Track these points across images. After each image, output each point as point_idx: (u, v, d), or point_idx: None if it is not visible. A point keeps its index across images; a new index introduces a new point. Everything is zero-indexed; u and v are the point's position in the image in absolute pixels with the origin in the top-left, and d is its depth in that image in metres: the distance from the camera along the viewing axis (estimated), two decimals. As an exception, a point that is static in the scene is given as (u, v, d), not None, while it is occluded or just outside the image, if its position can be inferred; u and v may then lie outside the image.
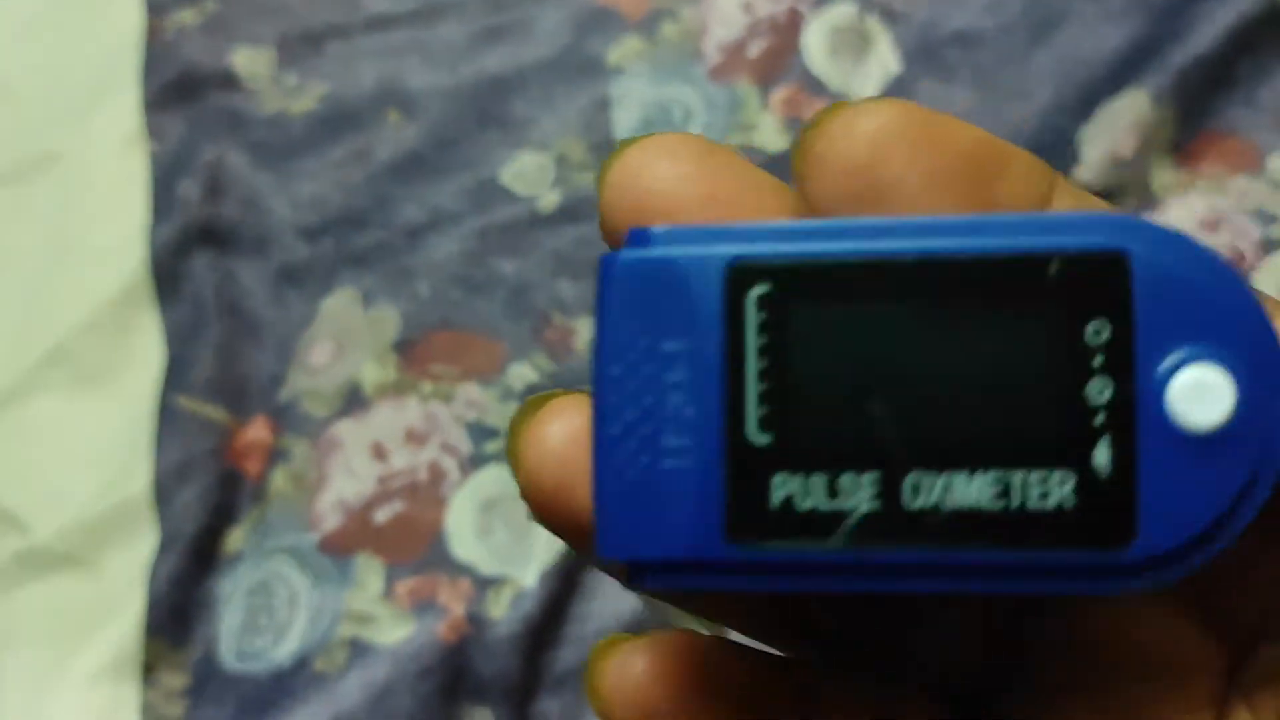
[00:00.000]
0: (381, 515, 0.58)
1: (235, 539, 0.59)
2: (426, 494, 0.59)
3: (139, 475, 0.60)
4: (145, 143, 0.69)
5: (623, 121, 0.67)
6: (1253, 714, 0.18)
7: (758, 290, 0.15)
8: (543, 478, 0.16)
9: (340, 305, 0.64)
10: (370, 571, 0.57)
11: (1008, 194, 0.16)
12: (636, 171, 0.16)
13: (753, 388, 0.14)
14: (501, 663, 0.54)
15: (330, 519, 0.59)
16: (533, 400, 0.16)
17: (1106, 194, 0.59)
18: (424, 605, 0.56)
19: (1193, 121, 0.61)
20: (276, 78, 0.70)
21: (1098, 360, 0.14)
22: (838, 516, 0.14)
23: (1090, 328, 0.14)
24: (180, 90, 0.70)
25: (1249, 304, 0.14)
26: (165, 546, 0.58)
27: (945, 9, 0.66)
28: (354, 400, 0.61)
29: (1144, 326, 0.14)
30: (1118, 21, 0.62)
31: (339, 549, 0.58)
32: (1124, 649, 0.18)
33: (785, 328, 0.15)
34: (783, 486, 0.14)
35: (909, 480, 0.14)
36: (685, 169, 0.16)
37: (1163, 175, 0.60)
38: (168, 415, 0.61)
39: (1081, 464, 0.14)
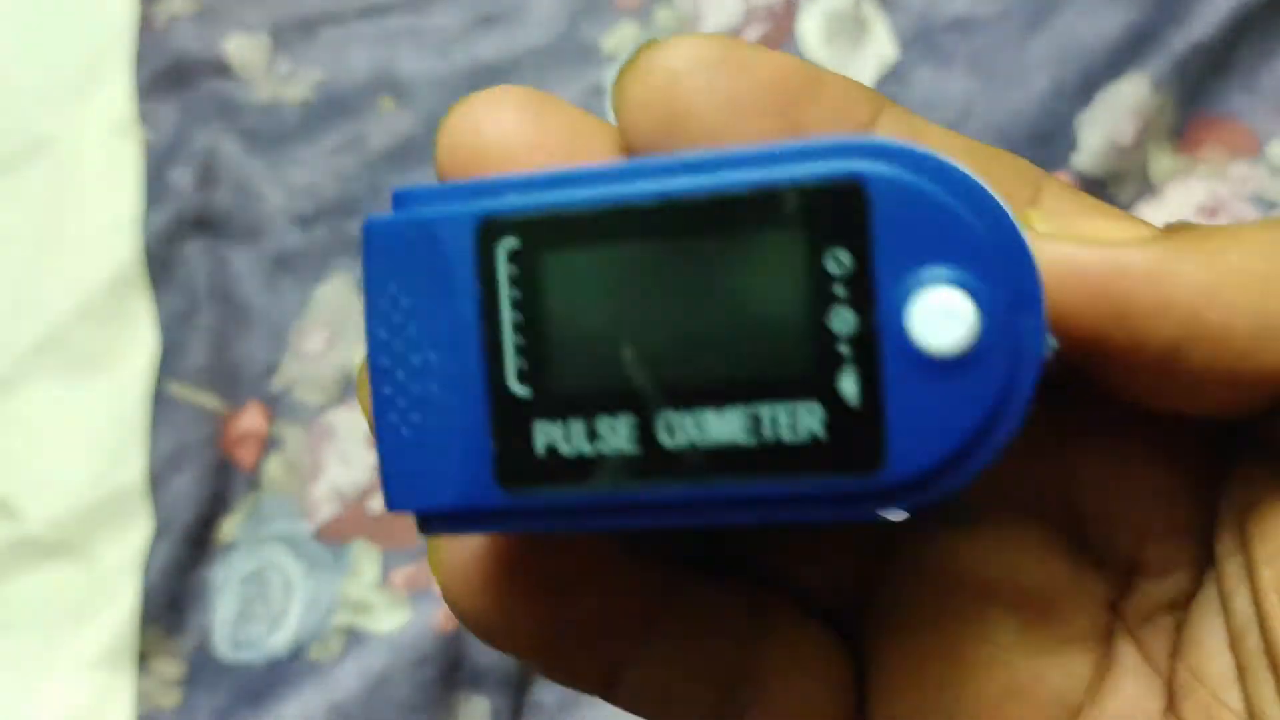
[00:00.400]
0: (377, 503, 0.58)
1: (229, 527, 0.59)
2: (422, 482, 0.58)
3: (132, 463, 0.60)
4: (138, 130, 0.68)
5: (618, 108, 0.66)
6: (1141, 652, 0.18)
7: (507, 244, 0.15)
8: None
9: (334, 293, 0.63)
10: (366, 559, 0.57)
11: (819, 119, 0.16)
12: (467, 127, 0.16)
13: (509, 341, 0.15)
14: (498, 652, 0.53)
15: (325, 507, 0.58)
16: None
17: (1105, 180, 0.59)
18: (420, 593, 0.55)
19: (1192, 107, 0.60)
20: (269, 65, 0.70)
21: (839, 290, 0.14)
22: (599, 460, 0.15)
23: (829, 257, 0.14)
24: (173, 78, 0.69)
25: (996, 220, 0.14)
26: (159, 535, 0.58)
27: (942, -5, 0.66)
28: (348, 388, 0.61)
29: (883, 252, 0.14)
30: (1116, 6, 0.62)
31: (334, 537, 0.58)
32: (987, 579, 0.18)
33: (536, 280, 0.15)
34: (545, 434, 0.15)
35: (662, 420, 0.14)
36: (513, 118, 0.16)
37: (1162, 161, 0.60)
38: (161, 403, 0.61)
39: (828, 394, 0.14)
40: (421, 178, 0.66)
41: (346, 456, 0.59)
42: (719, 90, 0.15)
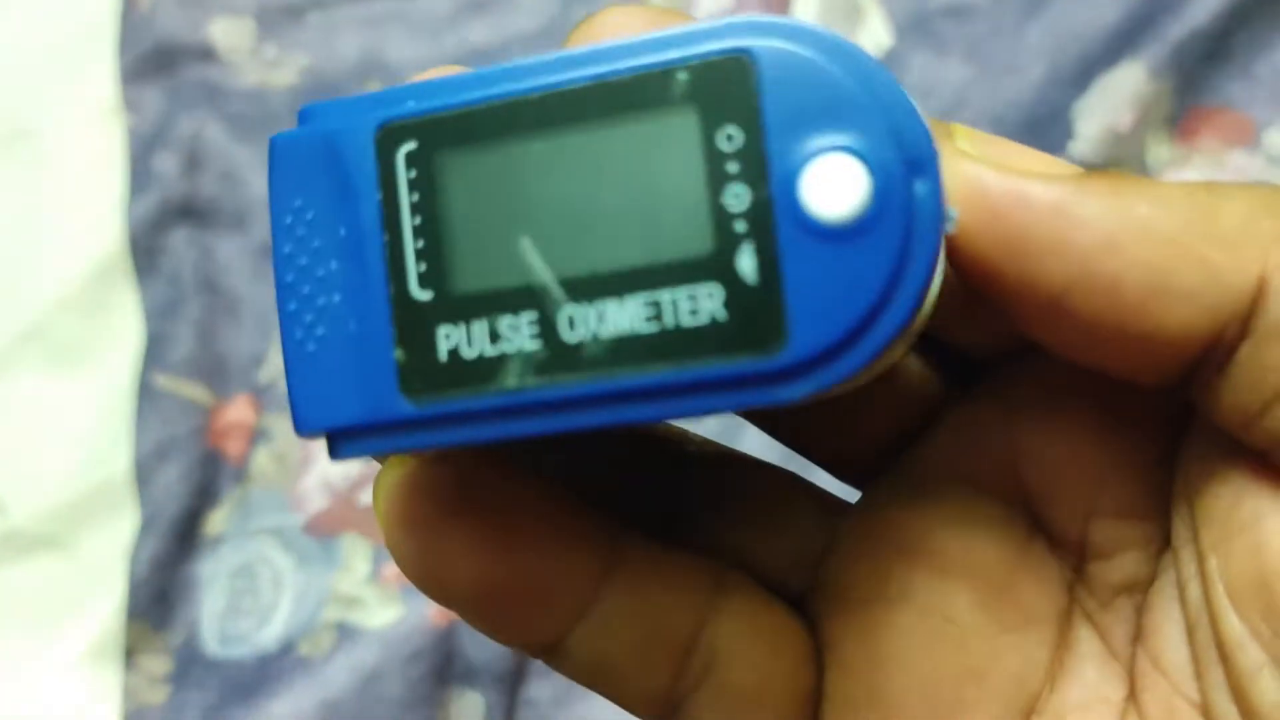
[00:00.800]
0: (367, 496, 0.57)
1: (217, 520, 0.58)
2: (413, 474, 0.58)
3: (118, 455, 0.59)
4: (122, 115, 0.67)
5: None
6: (1101, 637, 0.17)
7: (405, 148, 0.15)
8: None
9: (323, 282, 0.63)
10: (357, 553, 0.56)
11: None
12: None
13: (409, 245, 0.15)
14: (492, 646, 0.53)
15: (315, 500, 0.58)
16: None
17: (1103, 168, 0.59)
18: (413, 588, 0.55)
19: (1189, 95, 0.60)
20: (256, 50, 0.69)
21: (732, 167, 0.14)
22: (502, 360, 0.14)
23: (721, 135, 0.14)
24: (157, 62, 0.68)
25: (883, 87, 0.14)
26: (146, 528, 0.57)
27: (938, -19, 0.65)
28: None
29: (773, 125, 0.14)
30: (1113, -7, 0.62)
31: (324, 530, 0.57)
32: (942, 553, 0.18)
33: (434, 181, 0.15)
34: (448, 338, 0.15)
35: (563, 314, 0.14)
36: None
37: (1159, 149, 0.60)
38: (147, 394, 0.60)
39: (727, 274, 0.14)
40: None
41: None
42: None
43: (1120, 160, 0.59)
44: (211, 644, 0.56)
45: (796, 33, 0.14)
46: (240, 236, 0.64)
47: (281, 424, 0.59)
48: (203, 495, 0.58)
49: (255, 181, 0.65)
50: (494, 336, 0.14)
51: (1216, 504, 0.16)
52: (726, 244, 0.14)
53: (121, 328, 0.62)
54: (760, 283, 0.14)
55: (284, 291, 0.15)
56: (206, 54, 0.69)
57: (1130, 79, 0.60)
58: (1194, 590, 0.16)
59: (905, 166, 0.14)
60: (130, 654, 0.56)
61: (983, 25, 0.64)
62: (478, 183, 0.15)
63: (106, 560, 0.57)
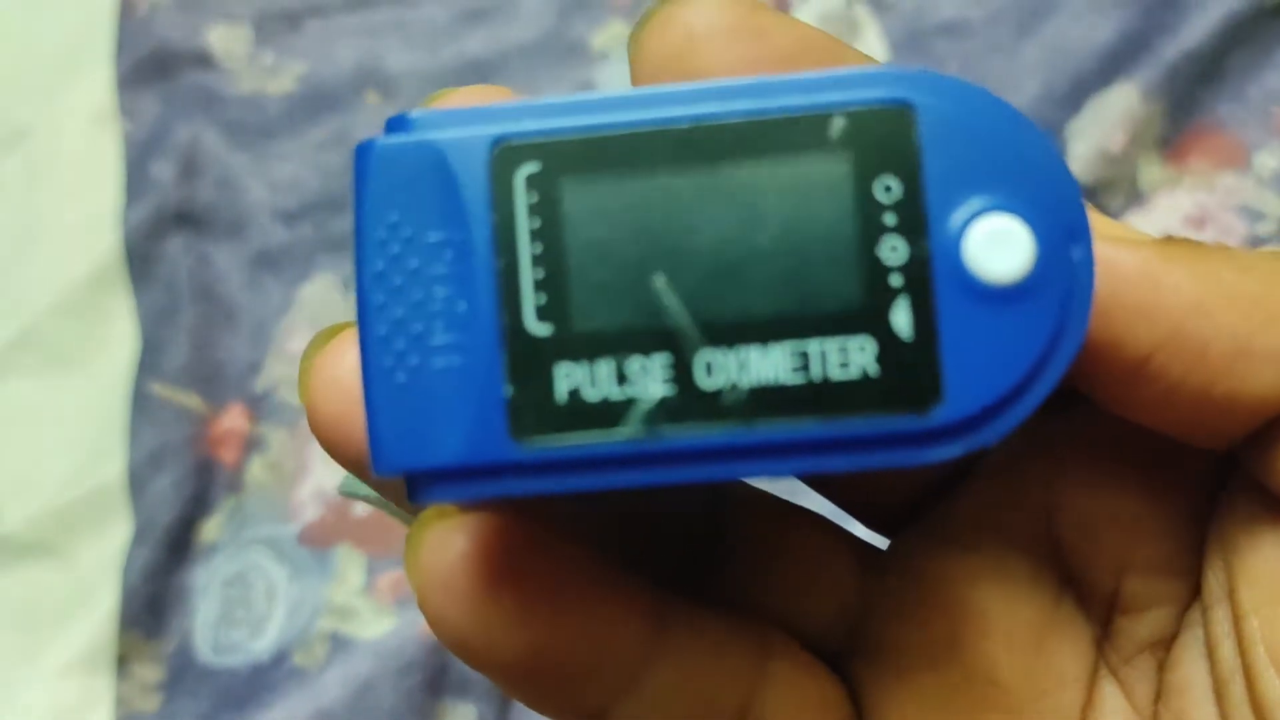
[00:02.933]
0: (362, 507, 0.57)
1: (211, 529, 0.58)
2: (407, 485, 0.58)
3: (112, 463, 0.59)
4: (118, 121, 0.67)
5: (607, 107, 0.66)
6: (1124, 693, 0.17)
7: (526, 170, 0.14)
8: (326, 407, 0.15)
9: (319, 292, 0.63)
10: (351, 564, 0.56)
11: None
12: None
13: (527, 274, 0.14)
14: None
15: (309, 510, 0.58)
16: (324, 331, 0.16)
17: (1095, 189, 0.59)
18: (407, 599, 0.55)
19: (1181, 117, 0.61)
20: (253, 57, 0.69)
21: (889, 218, 0.14)
22: (629, 404, 0.14)
23: (878, 185, 0.14)
24: (154, 68, 0.68)
25: (1043, 150, 0.14)
26: (139, 536, 0.57)
27: (934, -2, 0.66)
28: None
29: (934, 180, 0.14)
30: (1107, 13, 0.62)
31: (318, 540, 0.57)
32: (983, 613, 0.18)
33: (558, 208, 0.14)
34: (568, 377, 0.14)
35: (701, 359, 0.14)
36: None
37: (1150, 171, 0.60)
38: (141, 402, 0.60)
39: (881, 328, 0.14)
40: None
41: (331, 459, 0.59)
42: (736, 56, 0.15)
43: (1112, 181, 0.59)
44: (204, 652, 0.56)
45: (955, 88, 0.14)
46: (236, 244, 0.64)
47: (276, 433, 0.59)
48: (196, 504, 0.58)
49: (252, 188, 0.65)
50: (621, 378, 0.14)
51: (1263, 566, 0.16)
52: (880, 297, 0.14)
53: (116, 335, 0.62)
54: (915, 339, 0.13)
55: (372, 315, 0.14)
56: (203, 60, 0.69)
57: (1123, 100, 0.60)
58: (1227, 649, 0.16)
59: (1066, 231, 0.14)
60: (123, 661, 0.56)
61: (978, 43, 0.64)
62: (608, 213, 0.14)
63: (99, 567, 0.57)
